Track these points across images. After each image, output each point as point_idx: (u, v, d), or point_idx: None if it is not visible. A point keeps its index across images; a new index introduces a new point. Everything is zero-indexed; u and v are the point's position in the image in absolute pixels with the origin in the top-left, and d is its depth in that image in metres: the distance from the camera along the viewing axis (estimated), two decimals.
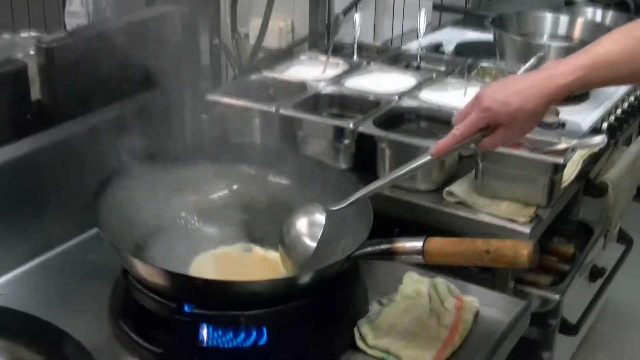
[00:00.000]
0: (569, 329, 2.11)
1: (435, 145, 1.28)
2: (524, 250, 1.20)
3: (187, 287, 1.28)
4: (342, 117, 1.89)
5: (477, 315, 1.45)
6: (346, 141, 1.77)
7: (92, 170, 1.61)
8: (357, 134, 1.75)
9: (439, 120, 1.81)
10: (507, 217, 1.64)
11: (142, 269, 1.26)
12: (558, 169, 1.65)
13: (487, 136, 1.27)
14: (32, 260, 1.60)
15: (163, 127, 1.79)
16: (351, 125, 1.73)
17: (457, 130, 1.26)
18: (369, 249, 1.31)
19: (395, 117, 1.82)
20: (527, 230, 1.61)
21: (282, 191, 1.53)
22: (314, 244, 1.34)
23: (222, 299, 1.28)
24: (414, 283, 1.52)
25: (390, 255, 1.29)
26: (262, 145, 1.83)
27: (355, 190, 1.38)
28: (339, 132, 1.77)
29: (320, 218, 1.36)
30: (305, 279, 1.28)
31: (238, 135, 1.89)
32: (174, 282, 1.27)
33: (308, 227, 1.37)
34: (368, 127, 1.73)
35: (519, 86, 1.24)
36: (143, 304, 1.32)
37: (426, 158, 1.29)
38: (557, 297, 1.76)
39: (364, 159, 1.80)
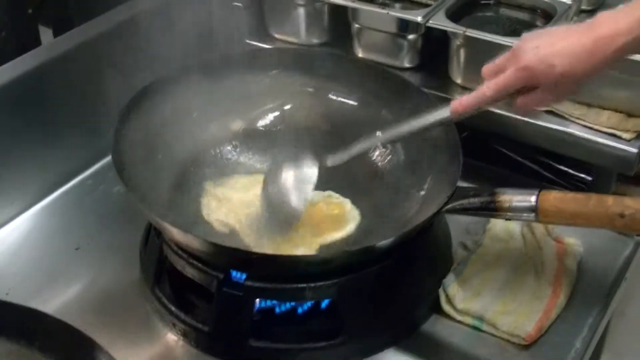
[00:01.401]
0: None
1: (459, 100, 1.08)
2: None
3: (238, 260, 1.02)
4: (404, 1, 1.57)
5: (581, 262, 1.21)
6: (411, 36, 1.47)
7: (110, 82, 1.37)
8: (425, 27, 1.44)
9: (521, 6, 1.50)
10: (609, 131, 1.35)
11: (182, 238, 1.01)
12: None
13: (521, 95, 1.07)
14: (44, 198, 1.37)
15: (190, 23, 1.51)
16: (420, 19, 1.42)
17: (487, 90, 1.06)
18: (464, 201, 1.05)
19: (469, 2, 1.51)
20: (634, 149, 1.32)
21: (345, 112, 1.25)
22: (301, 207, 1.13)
23: (281, 272, 1.03)
24: (504, 221, 1.26)
25: (492, 211, 1.04)
26: (315, 50, 1.52)
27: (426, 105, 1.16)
28: (404, 25, 1.46)
29: (311, 174, 1.14)
30: (385, 244, 1.02)
31: (278, 29, 1.59)
32: (223, 255, 1.02)
33: (296, 183, 1.15)
34: (440, 20, 1.42)
35: (566, 44, 1.03)
36: (183, 272, 1.08)
37: (445, 114, 1.09)
38: None
39: (433, 56, 1.50)
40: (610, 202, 0.98)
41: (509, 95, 1.06)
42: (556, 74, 1.01)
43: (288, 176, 1.15)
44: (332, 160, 1.15)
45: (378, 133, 1.14)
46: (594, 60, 1.02)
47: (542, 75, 1.02)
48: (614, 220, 0.97)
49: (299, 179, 1.14)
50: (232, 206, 1.20)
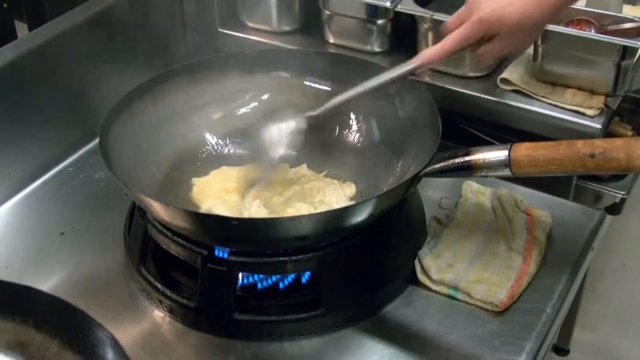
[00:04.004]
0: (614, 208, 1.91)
1: (423, 53, 1.16)
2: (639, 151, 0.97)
3: (220, 230, 1.06)
4: None
5: (550, 233, 1.25)
6: (380, 21, 1.52)
7: (86, 73, 1.40)
8: (393, 12, 1.49)
9: None
10: (573, 109, 1.40)
11: (165, 213, 1.04)
12: (627, 52, 1.39)
13: (482, 44, 1.13)
14: (26, 187, 1.40)
15: (163, 13, 1.55)
16: (388, 4, 1.46)
17: (448, 41, 1.13)
18: (440, 164, 1.08)
19: None
20: (597, 124, 1.38)
21: (320, 98, 1.29)
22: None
23: (261, 241, 1.06)
24: (475, 195, 1.32)
25: (467, 170, 1.07)
26: (286, 49, 1.56)
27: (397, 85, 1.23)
28: (373, 11, 1.51)
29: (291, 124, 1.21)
30: (367, 206, 1.04)
31: (251, 17, 1.62)
32: (205, 227, 1.05)
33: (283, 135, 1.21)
34: (408, 5, 1.47)
35: None
36: (168, 250, 1.11)
37: (411, 65, 1.16)
38: (622, 194, 1.54)
39: (402, 40, 1.55)
40: (580, 145, 1.00)
41: (470, 46, 1.12)
42: (510, 23, 1.08)
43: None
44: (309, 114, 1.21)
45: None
46: (543, 8, 1.08)
47: (497, 25, 1.09)
48: (585, 161, 0.99)
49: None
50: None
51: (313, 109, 1.20)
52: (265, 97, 1.34)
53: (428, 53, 1.14)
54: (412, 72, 1.16)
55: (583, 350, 2.03)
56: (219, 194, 1.19)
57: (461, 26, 1.11)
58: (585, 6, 1.45)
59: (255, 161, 1.27)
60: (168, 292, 1.12)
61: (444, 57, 1.14)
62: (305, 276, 1.14)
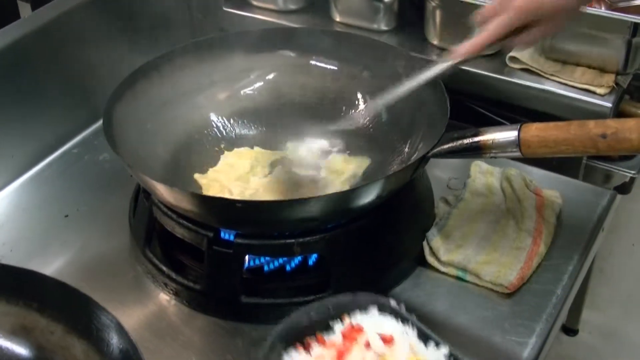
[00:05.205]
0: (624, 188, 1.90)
1: (458, 48, 1.09)
2: None
3: (225, 211, 1.04)
4: None
5: (560, 213, 1.24)
6: None
7: (90, 53, 1.38)
8: None
9: None
10: (583, 87, 1.39)
11: (170, 195, 1.03)
12: (638, 29, 1.37)
13: (518, 34, 1.07)
14: (30, 169, 1.39)
15: None
16: None
17: (487, 33, 1.07)
18: (449, 145, 1.06)
19: None
20: (608, 103, 1.36)
21: (327, 77, 1.27)
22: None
23: (269, 223, 1.05)
24: (483, 175, 1.30)
25: (476, 150, 1.05)
26: (293, 27, 1.54)
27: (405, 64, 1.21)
28: None
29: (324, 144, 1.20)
30: (375, 188, 1.03)
31: None
32: (211, 209, 1.04)
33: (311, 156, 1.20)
34: None
35: None
36: (173, 232, 1.10)
37: (448, 63, 1.10)
38: (632, 173, 1.53)
39: (409, 18, 1.53)
40: (592, 125, 0.98)
41: (505, 38, 1.08)
42: (550, 7, 1.03)
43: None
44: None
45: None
46: None
47: (536, 11, 1.04)
48: (597, 142, 0.97)
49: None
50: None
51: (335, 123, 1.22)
52: (271, 76, 1.32)
53: (467, 46, 1.08)
54: (447, 70, 1.11)
55: (592, 331, 2.02)
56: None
57: (499, 16, 1.06)
58: None
59: (262, 142, 1.26)
60: (174, 275, 1.10)
61: (484, 47, 1.08)
62: (313, 258, 1.13)
